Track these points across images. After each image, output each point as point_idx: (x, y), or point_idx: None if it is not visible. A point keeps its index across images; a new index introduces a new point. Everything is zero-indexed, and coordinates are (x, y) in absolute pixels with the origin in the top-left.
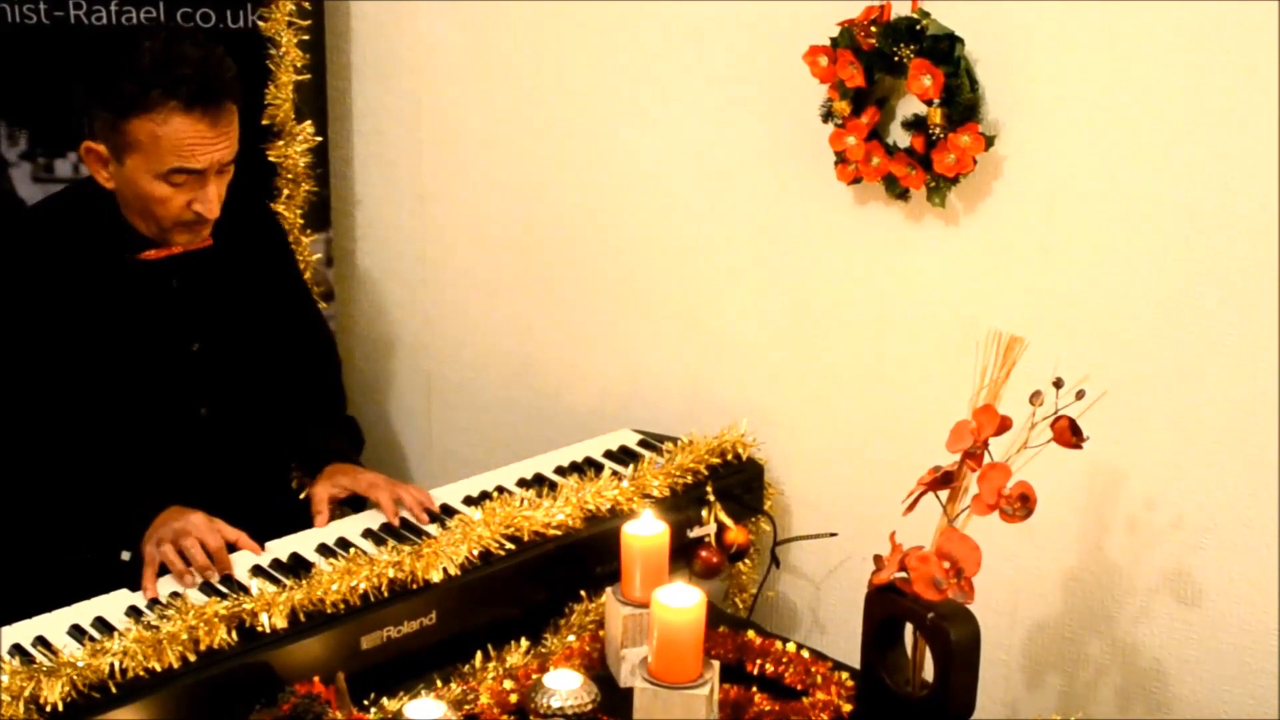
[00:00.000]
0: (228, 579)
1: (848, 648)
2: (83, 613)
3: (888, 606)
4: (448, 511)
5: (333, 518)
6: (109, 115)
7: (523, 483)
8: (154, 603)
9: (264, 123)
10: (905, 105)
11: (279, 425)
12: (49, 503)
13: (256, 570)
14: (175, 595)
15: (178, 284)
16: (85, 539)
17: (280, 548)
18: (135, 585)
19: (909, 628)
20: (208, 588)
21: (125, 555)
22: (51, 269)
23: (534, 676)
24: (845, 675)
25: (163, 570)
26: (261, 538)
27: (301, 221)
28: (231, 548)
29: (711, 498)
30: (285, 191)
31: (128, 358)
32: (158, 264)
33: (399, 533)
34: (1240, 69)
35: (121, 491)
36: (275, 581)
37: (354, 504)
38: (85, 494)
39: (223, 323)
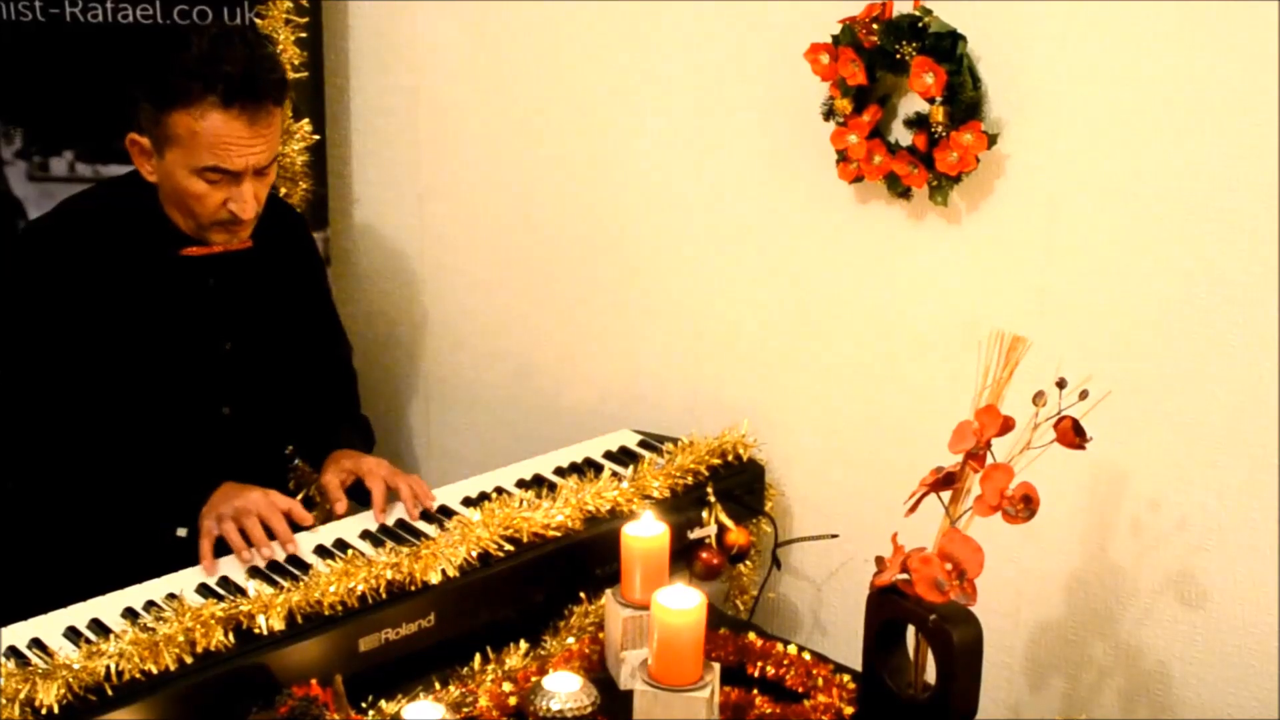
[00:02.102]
0: (225, 580)
1: (849, 650)
2: (78, 614)
3: (890, 608)
4: (446, 513)
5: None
6: (151, 107)
7: (522, 483)
8: (150, 604)
9: None
10: (907, 103)
11: (292, 428)
12: (91, 486)
13: (254, 572)
14: (172, 596)
15: (214, 282)
16: (137, 517)
17: (277, 549)
18: (190, 562)
19: (911, 630)
20: (205, 589)
21: (181, 531)
22: (93, 259)
23: (533, 679)
24: (847, 678)
25: (219, 547)
26: None
27: None
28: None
29: (712, 499)
30: (283, 190)
31: (161, 353)
32: (196, 261)
33: (397, 534)
34: (1244, 67)
35: (135, 480)
36: (272, 583)
37: (360, 496)
38: (130, 476)
39: (255, 324)
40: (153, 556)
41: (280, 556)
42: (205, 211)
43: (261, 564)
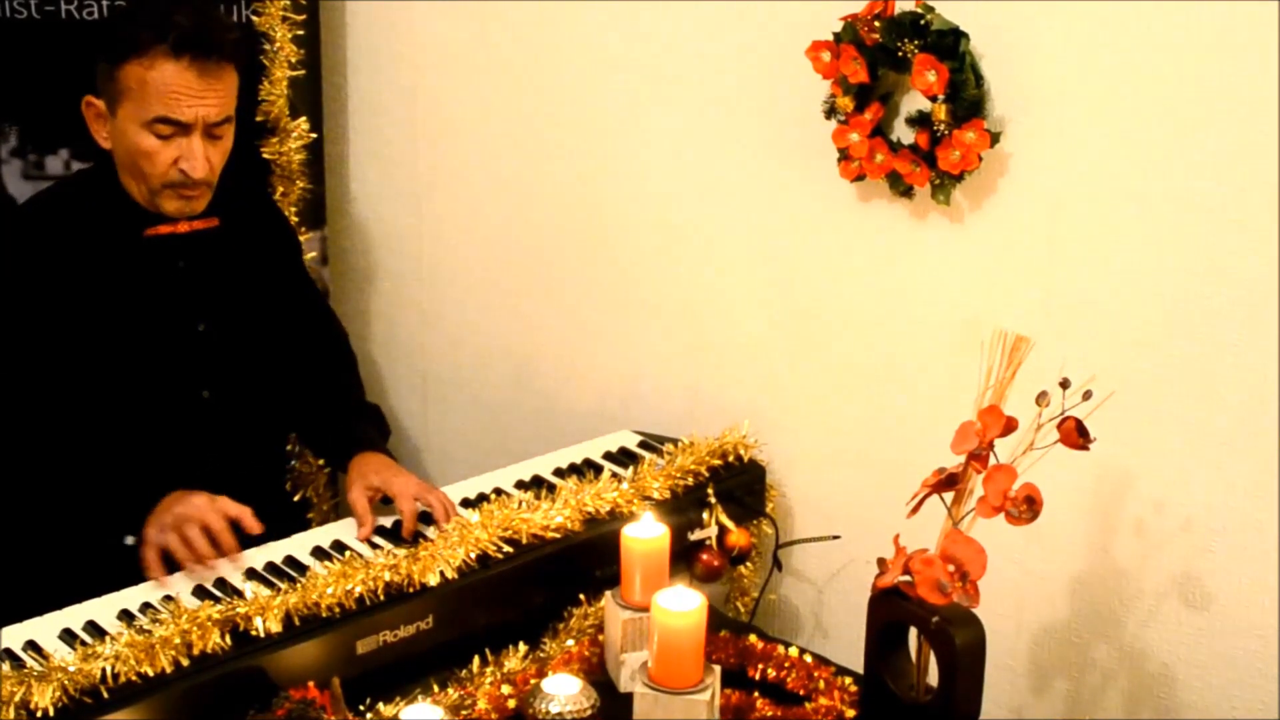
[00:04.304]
0: (222, 581)
1: (851, 652)
2: (74, 616)
3: (891, 610)
4: None
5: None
6: (106, 64)
7: (521, 484)
8: (146, 606)
9: (258, 119)
10: (909, 101)
11: (290, 418)
12: (51, 485)
13: (250, 573)
14: (168, 599)
15: (184, 264)
16: (89, 523)
17: (275, 550)
18: (140, 571)
19: (913, 632)
20: (201, 591)
21: (129, 540)
22: (60, 248)
23: (532, 681)
24: (848, 680)
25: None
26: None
27: (297, 219)
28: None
29: (713, 500)
30: (280, 189)
31: (133, 336)
32: (165, 244)
33: (395, 535)
34: (1249, 66)
35: (123, 475)
36: (269, 585)
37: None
38: (89, 477)
39: (229, 304)
40: (101, 564)
41: (211, 571)
42: (155, 171)
43: (205, 579)
